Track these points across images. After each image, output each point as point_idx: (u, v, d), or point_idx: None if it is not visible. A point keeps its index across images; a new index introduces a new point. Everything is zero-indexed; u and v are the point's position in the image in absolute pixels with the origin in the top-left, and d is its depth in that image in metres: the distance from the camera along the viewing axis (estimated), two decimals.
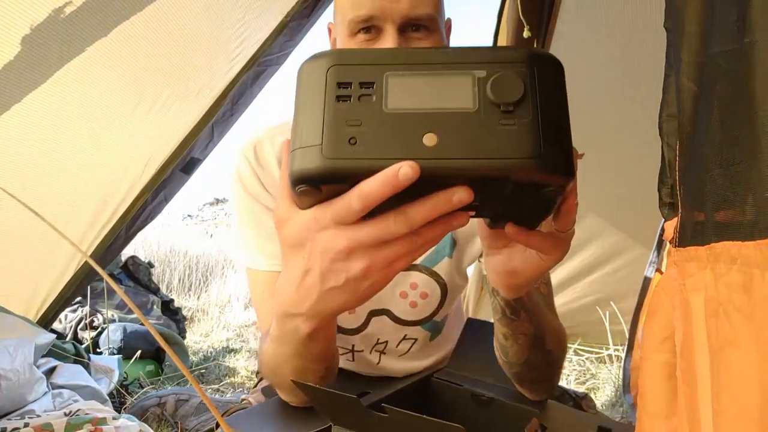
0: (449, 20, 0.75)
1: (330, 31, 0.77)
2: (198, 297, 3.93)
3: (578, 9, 1.56)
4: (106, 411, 1.25)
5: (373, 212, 0.32)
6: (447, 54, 0.32)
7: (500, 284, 0.49)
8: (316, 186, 0.32)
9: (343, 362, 0.84)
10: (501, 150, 0.29)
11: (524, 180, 0.30)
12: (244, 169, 0.74)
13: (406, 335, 0.81)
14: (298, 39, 1.49)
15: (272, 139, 0.76)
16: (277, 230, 0.37)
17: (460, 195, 0.30)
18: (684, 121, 0.41)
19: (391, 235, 0.32)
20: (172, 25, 1.25)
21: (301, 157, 0.31)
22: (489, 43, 1.71)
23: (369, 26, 0.65)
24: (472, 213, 0.37)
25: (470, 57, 0.31)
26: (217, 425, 0.80)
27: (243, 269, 0.76)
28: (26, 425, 1.09)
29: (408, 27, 0.66)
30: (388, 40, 0.64)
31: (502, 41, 1.66)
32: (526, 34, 1.52)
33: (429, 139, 0.30)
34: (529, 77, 0.31)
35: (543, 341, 0.65)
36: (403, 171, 0.28)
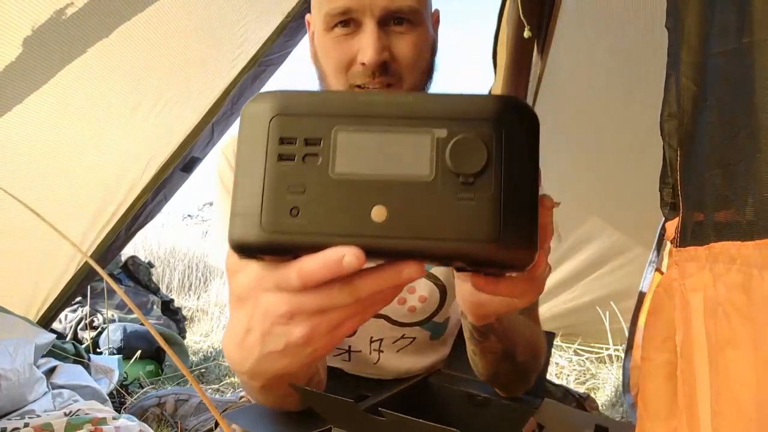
0: (437, 12, 0.70)
1: (308, 24, 0.73)
2: (198, 297, 3.93)
3: (578, 9, 1.56)
4: (106, 411, 1.25)
5: None
6: (407, 104, 0.28)
7: (467, 311, 0.48)
8: (255, 257, 0.30)
9: (339, 362, 0.83)
10: (455, 230, 0.27)
11: (480, 263, 0.28)
12: (225, 168, 0.73)
13: (404, 334, 0.81)
14: (298, 39, 1.49)
15: None
16: (227, 279, 0.35)
17: (411, 271, 0.28)
18: (684, 120, 0.41)
19: (335, 304, 0.30)
20: (172, 26, 1.25)
21: (240, 225, 0.28)
22: (490, 42, 1.71)
23: (347, 19, 0.61)
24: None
25: (433, 109, 0.28)
26: (217, 425, 0.80)
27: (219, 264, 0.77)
28: (26, 425, 1.09)
29: (389, 20, 0.61)
30: (368, 35, 0.60)
31: (503, 42, 1.66)
32: (526, 34, 1.52)
33: (378, 214, 0.27)
34: (496, 140, 0.27)
35: (513, 355, 0.63)
36: (347, 260, 0.26)
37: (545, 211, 0.31)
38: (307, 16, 0.72)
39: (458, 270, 0.35)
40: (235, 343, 0.36)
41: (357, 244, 0.27)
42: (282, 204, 0.28)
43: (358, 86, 0.63)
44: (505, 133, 0.27)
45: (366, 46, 0.60)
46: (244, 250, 0.29)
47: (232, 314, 0.36)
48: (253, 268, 0.32)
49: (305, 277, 0.28)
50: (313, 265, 0.27)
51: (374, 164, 0.28)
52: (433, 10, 0.69)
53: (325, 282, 0.29)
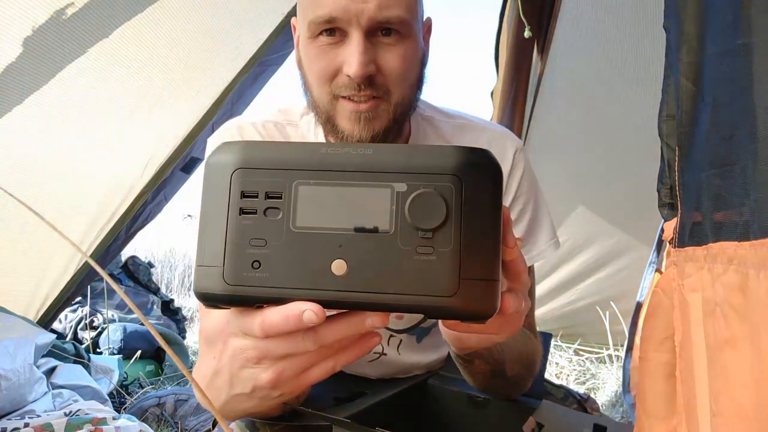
0: (429, 20, 0.68)
1: (294, 28, 0.70)
2: None
3: (578, 9, 1.56)
4: (106, 411, 1.25)
5: None
6: (366, 157, 0.28)
7: (449, 342, 0.48)
8: (219, 306, 0.30)
9: None
10: (415, 285, 0.27)
11: (438, 316, 0.28)
12: None
13: (391, 335, 0.81)
14: None
15: (241, 129, 0.72)
16: (200, 318, 0.36)
17: (374, 321, 0.28)
18: (683, 121, 0.41)
19: (299, 350, 0.30)
20: (172, 27, 1.25)
21: (204, 278, 0.29)
22: (491, 43, 1.71)
23: (332, 28, 0.58)
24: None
25: (393, 162, 0.28)
26: (216, 424, 0.80)
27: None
28: (26, 425, 1.09)
29: (377, 31, 0.58)
30: (353, 47, 0.57)
31: (504, 42, 1.66)
32: (527, 34, 1.52)
33: (338, 267, 0.27)
34: (456, 194, 0.27)
35: (503, 371, 0.63)
36: (307, 315, 0.27)
37: (510, 251, 0.31)
38: (293, 20, 0.70)
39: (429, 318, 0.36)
40: (203, 384, 0.36)
41: (317, 298, 0.27)
42: (244, 257, 0.28)
43: (343, 97, 0.61)
44: (466, 186, 0.27)
45: (351, 58, 0.58)
46: (208, 300, 0.29)
47: (202, 355, 0.36)
48: (221, 312, 0.32)
49: (267, 329, 0.29)
50: (275, 318, 0.28)
51: (334, 218, 0.28)
52: (425, 17, 0.67)
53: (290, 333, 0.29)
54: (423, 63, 0.66)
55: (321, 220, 0.28)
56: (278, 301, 0.28)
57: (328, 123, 0.64)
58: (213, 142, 0.73)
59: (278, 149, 0.29)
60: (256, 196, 0.28)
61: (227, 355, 0.33)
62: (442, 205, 0.27)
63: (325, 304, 0.27)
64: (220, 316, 0.33)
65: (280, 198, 0.28)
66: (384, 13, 0.57)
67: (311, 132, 0.74)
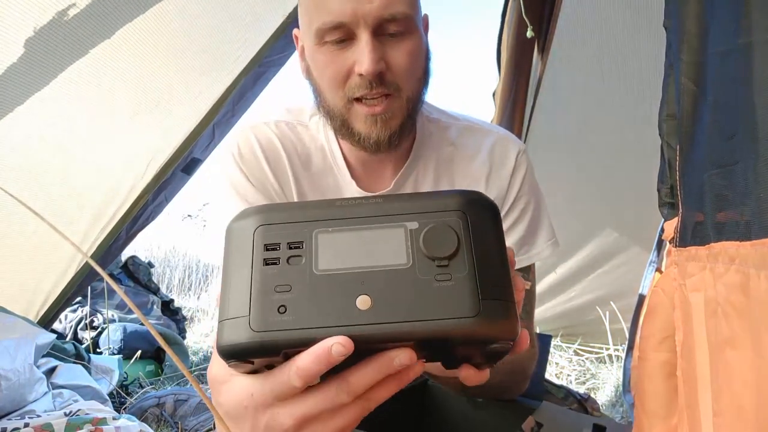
0: (426, 16, 0.69)
1: (296, 39, 0.70)
2: (198, 297, 3.93)
3: (578, 8, 1.56)
4: (107, 411, 1.25)
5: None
6: (378, 205, 0.31)
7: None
8: (246, 360, 0.30)
9: None
10: (438, 309, 0.28)
11: (465, 339, 0.29)
12: (230, 165, 0.72)
13: None
14: None
15: (256, 130, 0.73)
16: (211, 391, 0.35)
17: (402, 358, 0.28)
18: (684, 120, 0.41)
19: (336, 405, 0.30)
20: (174, 27, 1.25)
21: (229, 330, 0.29)
22: (493, 43, 1.71)
23: (339, 32, 0.60)
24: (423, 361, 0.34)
25: (401, 207, 0.30)
26: (215, 426, 0.80)
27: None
28: (26, 425, 1.09)
29: (383, 29, 0.60)
30: (363, 46, 0.58)
31: (505, 42, 1.66)
32: (529, 34, 1.52)
33: (363, 303, 0.28)
34: (463, 226, 0.30)
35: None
36: (336, 349, 0.27)
37: (518, 293, 0.32)
38: (295, 31, 0.70)
39: (448, 367, 0.36)
40: None
41: (346, 333, 0.28)
42: (270, 303, 0.28)
43: (357, 99, 0.62)
44: (471, 219, 0.30)
45: (362, 57, 0.59)
46: (235, 354, 0.29)
47: (223, 429, 0.34)
48: (240, 384, 0.32)
49: (304, 374, 0.28)
50: (306, 361, 0.28)
51: (354, 258, 0.29)
52: (423, 14, 0.68)
53: (322, 385, 0.30)
54: (428, 57, 0.67)
55: (342, 262, 0.29)
56: (306, 342, 0.28)
57: (344, 127, 0.65)
58: (228, 145, 0.74)
59: (294, 207, 0.31)
60: (278, 248, 0.30)
61: (260, 429, 0.32)
62: (453, 235, 0.29)
63: (354, 338, 0.28)
64: (240, 389, 0.32)
65: (302, 246, 0.30)
66: (389, 10, 0.58)
67: (321, 133, 0.74)
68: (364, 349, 0.28)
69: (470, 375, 0.33)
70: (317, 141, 0.74)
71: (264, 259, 0.29)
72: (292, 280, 0.29)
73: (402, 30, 0.61)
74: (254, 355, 0.29)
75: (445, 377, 0.57)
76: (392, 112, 0.63)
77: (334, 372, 0.30)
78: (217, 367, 0.33)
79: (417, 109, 0.68)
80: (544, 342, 0.83)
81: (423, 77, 0.67)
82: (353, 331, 0.28)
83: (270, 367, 0.31)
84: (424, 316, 0.28)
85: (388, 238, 0.30)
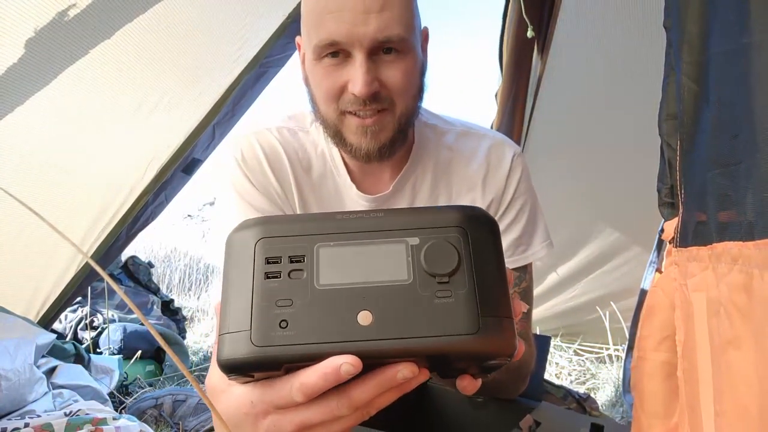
0: (426, 29, 0.71)
1: (299, 46, 0.72)
2: (198, 297, 3.93)
3: (578, 8, 1.56)
4: (107, 411, 1.25)
5: None
6: (379, 220, 0.31)
7: None
8: (246, 374, 0.30)
9: None
10: (439, 326, 0.28)
11: (465, 356, 0.29)
12: (233, 168, 0.73)
13: None
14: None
15: (259, 136, 0.74)
16: (211, 399, 0.35)
17: (404, 373, 0.28)
18: (685, 120, 0.41)
19: (335, 416, 0.30)
20: (174, 28, 1.25)
21: (230, 344, 0.29)
22: (495, 43, 1.71)
23: (336, 50, 0.62)
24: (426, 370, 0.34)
25: (402, 222, 0.30)
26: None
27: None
28: (26, 425, 1.09)
29: (378, 50, 0.61)
30: (357, 67, 0.61)
31: (506, 42, 1.66)
32: (530, 33, 1.52)
33: (364, 318, 0.28)
34: (464, 242, 0.30)
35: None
36: (345, 369, 0.27)
37: (515, 316, 0.32)
38: (298, 39, 0.72)
39: (444, 376, 0.36)
40: None
41: (348, 349, 0.28)
42: (271, 318, 0.28)
43: (350, 112, 0.64)
44: (471, 235, 0.30)
45: (356, 78, 0.61)
46: (235, 368, 0.29)
47: None
48: (239, 392, 0.32)
49: (307, 391, 0.28)
50: (311, 378, 0.28)
51: (356, 274, 0.29)
52: (423, 27, 0.70)
53: (323, 395, 0.29)
54: (422, 73, 0.69)
55: (343, 277, 0.29)
56: (307, 357, 0.28)
57: (336, 137, 0.68)
58: (229, 149, 0.75)
59: (295, 220, 0.31)
60: (280, 261, 0.30)
61: None
62: (454, 253, 0.29)
63: (355, 354, 0.28)
64: (240, 397, 0.32)
65: (303, 261, 0.29)
66: (384, 34, 0.60)
67: (321, 138, 0.76)
68: (365, 364, 0.28)
69: (467, 385, 0.34)
70: (318, 147, 0.76)
71: (265, 273, 0.29)
72: (293, 295, 0.29)
73: (397, 50, 0.62)
74: (255, 370, 0.29)
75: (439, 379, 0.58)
76: (382, 125, 0.65)
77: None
78: (216, 377, 0.34)
79: (410, 123, 0.70)
80: (542, 343, 0.83)
81: (417, 93, 0.69)
82: (355, 347, 0.28)
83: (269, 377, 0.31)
84: (425, 332, 0.28)
85: (389, 254, 0.30)
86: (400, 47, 0.62)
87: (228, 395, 0.33)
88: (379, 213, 0.31)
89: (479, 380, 0.34)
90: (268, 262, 0.30)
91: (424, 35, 0.70)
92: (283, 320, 0.28)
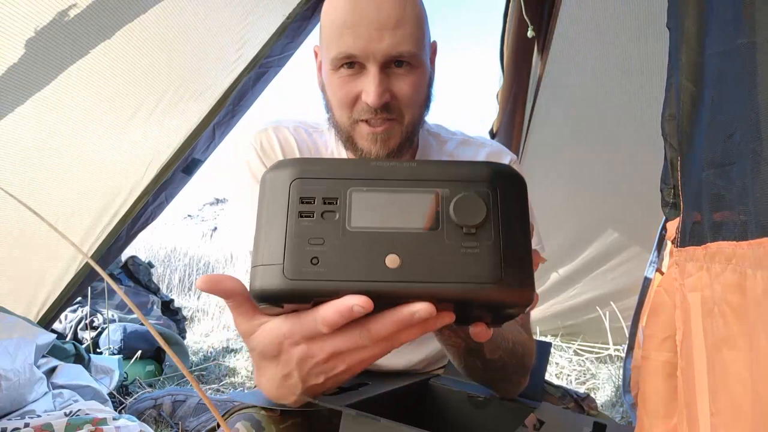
0: (434, 43, 0.76)
1: (316, 54, 0.78)
2: (198, 297, 3.93)
3: (578, 8, 1.56)
4: (107, 411, 1.25)
5: None
6: (411, 169, 0.32)
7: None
8: (277, 304, 0.32)
9: None
10: (463, 274, 0.30)
11: (486, 303, 0.31)
12: (252, 157, 0.78)
13: None
14: (299, 40, 1.49)
15: (277, 131, 0.80)
16: (243, 340, 0.39)
17: (420, 313, 0.30)
18: (683, 121, 0.42)
19: (358, 345, 0.34)
20: (175, 28, 1.25)
21: (263, 276, 0.30)
22: (496, 43, 1.71)
23: (351, 62, 0.67)
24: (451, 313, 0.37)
25: (434, 173, 0.32)
26: (218, 425, 0.80)
27: (246, 253, 0.81)
28: (26, 425, 1.09)
29: (390, 63, 0.67)
30: (371, 79, 0.66)
31: (508, 41, 1.66)
32: (530, 33, 1.52)
33: (391, 261, 0.30)
34: (492, 197, 0.31)
35: (480, 352, 0.63)
36: (356, 309, 0.29)
37: (533, 267, 0.34)
38: (315, 47, 0.78)
39: (460, 324, 0.37)
40: (275, 387, 0.41)
41: (373, 289, 0.30)
42: (303, 254, 0.30)
43: (362, 120, 0.70)
44: (500, 191, 0.31)
45: (369, 89, 0.67)
46: (267, 298, 0.31)
47: (262, 367, 0.40)
48: (272, 326, 0.35)
49: (329, 324, 0.31)
50: (330, 312, 0.31)
51: (386, 219, 0.31)
52: (432, 41, 0.75)
53: (347, 327, 0.33)
54: (430, 84, 0.75)
55: (374, 221, 0.31)
56: (335, 293, 0.30)
57: (348, 141, 0.74)
58: (248, 139, 0.80)
59: (330, 163, 0.32)
60: (313, 202, 0.31)
61: (294, 361, 0.36)
62: (483, 206, 0.31)
63: (382, 294, 0.30)
64: (273, 329, 0.35)
65: (335, 203, 0.31)
66: (397, 49, 0.66)
67: (332, 139, 0.82)
68: (390, 303, 0.30)
69: (480, 331, 0.36)
70: (328, 147, 0.82)
71: (299, 212, 0.31)
72: (325, 234, 0.30)
73: (408, 64, 0.68)
74: (286, 301, 0.32)
75: (448, 338, 0.61)
76: (392, 133, 0.71)
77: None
78: (243, 323, 0.37)
79: (416, 131, 0.75)
80: (544, 349, 0.83)
81: (424, 103, 0.75)
82: (380, 287, 0.29)
83: (295, 309, 0.34)
84: (449, 278, 0.30)
85: (419, 202, 0.31)
86: (411, 61, 0.68)
87: (262, 330, 0.36)
88: (413, 163, 0.32)
89: (491, 330, 0.36)
90: (303, 202, 0.31)
91: (433, 49, 0.75)
92: (314, 257, 0.30)
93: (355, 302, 0.29)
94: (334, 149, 0.81)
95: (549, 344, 0.89)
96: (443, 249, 0.30)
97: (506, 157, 0.85)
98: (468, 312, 0.33)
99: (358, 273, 0.29)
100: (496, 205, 0.31)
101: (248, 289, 0.32)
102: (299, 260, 0.30)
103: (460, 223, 0.30)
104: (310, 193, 0.31)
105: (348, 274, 0.30)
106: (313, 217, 0.31)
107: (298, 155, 0.79)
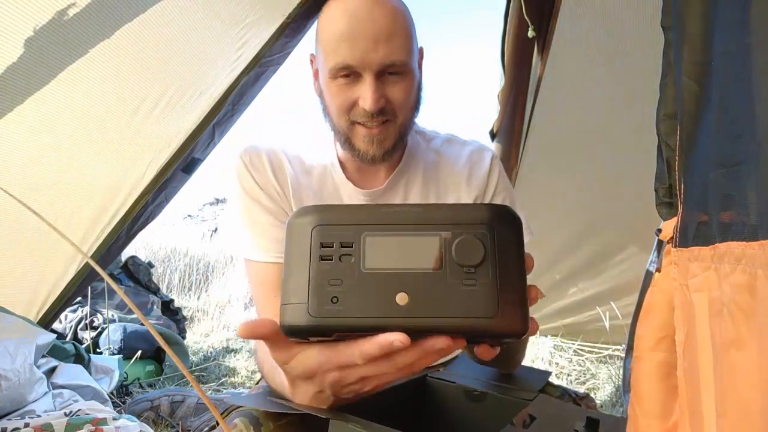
0: (422, 49, 0.82)
1: (312, 61, 0.83)
2: (198, 297, 3.93)
3: (578, 8, 1.56)
4: (107, 411, 1.25)
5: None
6: (418, 213, 0.36)
7: None
8: (303, 338, 0.38)
9: None
10: (463, 309, 0.34)
11: (484, 335, 0.35)
12: (242, 171, 0.83)
13: None
14: (298, 39, 1.49)
15: (266, 145, 0.86)
16: (279, 366, 0.45)
17: (440, 345, 0.35)
18: (685, 120, 0.41)
19: (385, 373, 0.40)
20: (175, 27, 1.25)
21: (291, 313, 0.35)
22: (496, 43, 1.70)
23: (349, 72, 0.73)
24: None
25: (438, 217, 0.36)
26: (217, 424, 0.80)
27: (242, 259, 0.88)
28: (26, 425, 1.09)
29: (384, 72, 0.73)
30: (367, 87, 0.72)
31: (508, 41, 1.66)
32: (530, 33, 1.52)
33: (401, 299, 0.34)
34: (489, 238, 0.35)
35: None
36: (396, 345, 0.34)
37: (531, 300, 0.38)
38: (311, 55, 0.83)
39: (469, 344, 0.41)
40: (308, 399, 0.48)
41: (386, 324, 0.34)
42: (324, 294, 0.35)
43: (359, 123, 0.76)
44: (497, 232, 0.35)
45: (367, 96, 0.73)
46: (295, 333, 0.36)
47: (297, 385, 0.48)
48: (307, 357, 0.41)
49: (367, 356, 0.36)
50: (373, 347, 0.35)
51: (396, 260, 0.35)
52: (419, 47, 0.81)
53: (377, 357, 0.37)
54: (419, 88, 0.82)
55: (385, 263, 0.35)
56: (354, 329, 0.35)
57: (346, 143, 0.80)
58: (239, 153, 0.85)
59: (346, 210, 0.37)
60: (332, 246, 0.35)
61: (327, 384, 0.43)
62: (481, 247, 0.35)
63: (393, 329, 0.34)
64: (308, 360, 0.41)
65: (352, 246, 0.35)
66: (390, 58, 0.72)
67: (325, 146, 0.89)
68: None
69: (484, 351, 0.40)
70: (321, 153, 0.89)
71: (320, 256, 0.35)
72: (343, 276, 0.35)
73: (400, 72, 0.74)
74: (311, 335, 0.37)
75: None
76: (387, 134, 0.77)
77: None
78: (278, 354, 0.43)
79: (408, 131, 0.83)
80: (541, 378, 0.88)
81: (414, 106, 0.82)
82: (392, 322, 0.34)
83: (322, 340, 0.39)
84: (451, 313, 0.34)
85: (425, 245, 0.35)
86: (403, 69, 0.74)
87: (299, 359, 0.42)
88: (418, 208, 0.37)
89: (496, 349, 0.40)
90: (323, 246, 0.35)
91: (421, 54, 0.82)
92: (334, 296, 0.34)
93: (396, 338, 0.34)
94: (326, 154, 0.87)
95: (548, 374, 0.94)
96: (446, 287, 0.34)
97: (487, 153, 0.92)
98: (473, 340, 0.37)
99: (373, 310, 0.34)
100: (494, 245, 0.35)
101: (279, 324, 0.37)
102: (321, 300, 0.34)
103: (461, 263, 0.34)
104: (329, 239, 0.35)
105: (363, 311, 0.34)
106: (332, 260, 0.35)
107: (285, 161, 0.84)
